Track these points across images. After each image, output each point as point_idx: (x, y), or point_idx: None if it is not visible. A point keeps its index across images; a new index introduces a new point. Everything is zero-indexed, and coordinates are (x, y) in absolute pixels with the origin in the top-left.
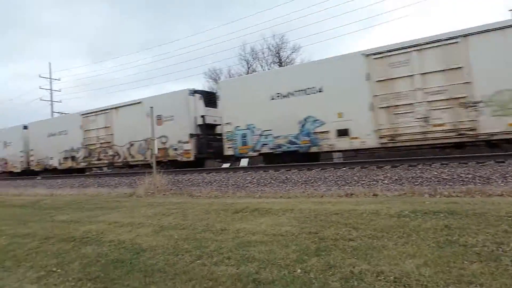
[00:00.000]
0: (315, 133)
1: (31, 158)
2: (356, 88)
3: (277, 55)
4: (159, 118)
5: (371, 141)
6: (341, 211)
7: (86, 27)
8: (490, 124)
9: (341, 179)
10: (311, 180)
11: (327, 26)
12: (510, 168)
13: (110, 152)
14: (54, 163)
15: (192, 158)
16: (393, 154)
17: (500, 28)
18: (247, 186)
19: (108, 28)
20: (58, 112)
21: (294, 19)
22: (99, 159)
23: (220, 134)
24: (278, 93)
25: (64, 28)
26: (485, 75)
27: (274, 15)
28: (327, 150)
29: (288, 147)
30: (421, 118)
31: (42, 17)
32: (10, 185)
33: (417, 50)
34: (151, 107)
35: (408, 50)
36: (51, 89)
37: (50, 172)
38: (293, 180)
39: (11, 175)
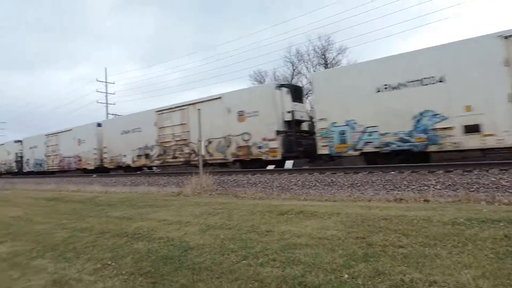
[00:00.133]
0: (434, 129)
1: (104, 156)
2: (490, 76)
3: (323, 56)
4: (241, 114)
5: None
6: (390, 216)
7: (140, 33)
8: None
9: (389, 183)
10: (357, 183)
11: (375, 26)
12: None
13: (186, 150)
14: (127, 160)
15: (279, 157)
16: (449, 158)
17: None
18: (291, 188)
19: (160, 33)
20: (112, 114)
21: (340, 20)
22: (174, 157)
23: (307, 131)
24: (385, 85)
25: (120, 34)
26: None
27: (320, 16)
28: (449, 149)
29: (399, 146)
30: None
31: (102, 25)
32: (70, 181)
33: None
34: (199, 109)
35: None
36: (106, 92)
37: (123, 170)
38: (339, 183)
39: (84, 172)
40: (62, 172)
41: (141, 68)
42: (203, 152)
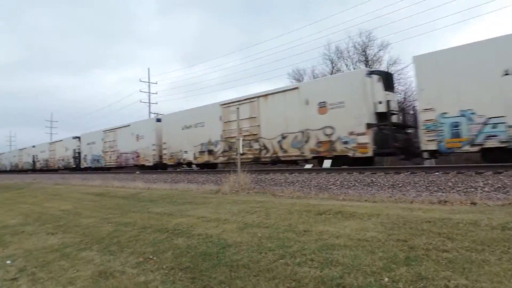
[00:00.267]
0: None
1: (164, 152)
2: None
3: (363, 53)
4: (322, 105)
5: None
6: (434, 219)
7: (183, 34)
8: None
9: (433, 184)
10: (399, 184)
11: (418, 21)
12: None
13: (256, 146)
14: (189, 157)
15: (370, 154)
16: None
17: None
18: (330, 188)
19: (202, 34)
20: (154, 113)
21: (382, 15)
22: (241, 154)
23: (398, 124)
24: None
25: (164, 36)
26: None
27: (361, 12)
28: None
29: None
30: None
31: (147, 28)
32: (114, 178)
33: None
34: (237, 108)
35: None
36: (149, 92)
37: (183, 166)
38: (379, 184)
39: (142, 168)
40: (119, 168)
41: (182, 68)
42: (240, 150)
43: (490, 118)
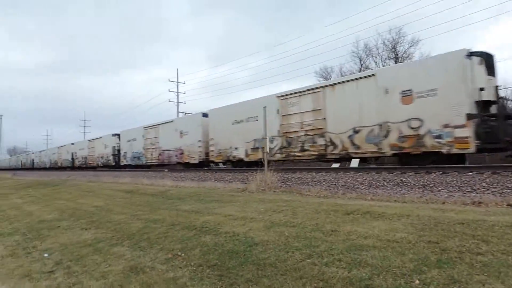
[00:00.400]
0: None
1: (211, 149)
2: None
3: (393, 50)
4: (406, 94)
5: None
6: (467, 220)
7: (211, 35)
8: None
9: (466, 184)
10: (430, 184)
11: (450, 16)
12: None
13: (321, 142)
14: (240, 154)
15: (471, 149)
16: None
17: None
18: (357, 188)
19: (229, 34)
20: (182, 112)
21: (412, 11)
22: (302, 150)
23: (496, 115)
24: None
25: (193, 37)
26: None
27: (390, 8)
28: None
29: None
30: None
31: (177, 29)
32: (144, 176)
33: None
34: (263, 107)
35: None
36: (177, 92)
37: (232, 164)
38: (409, 184)
39: (186, 166)
40: (161, 166)
41: (210, 68)
42: (267, 148)
43: None
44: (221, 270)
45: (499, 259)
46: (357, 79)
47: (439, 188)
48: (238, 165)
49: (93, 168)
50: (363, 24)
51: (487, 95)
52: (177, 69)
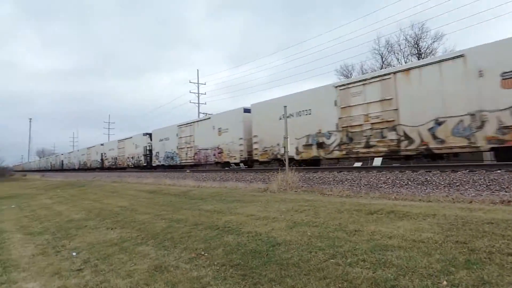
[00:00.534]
0: None
1: (255, 146)
2: None
3: (416, 46)
4: (508, 76)
5: None
6: (496, 220)
7: (231, 36)
8: None
9: (495, 183)
10: (456, 183)
11: (476, 9)
12: None
13: (392, 136)
14: (290, 152)
15: None
16: None
17: None
18: (380, 187)
19: (250, 35)
20: (203, 113)
21: (436, 6)
22: (368, 146)
23: None
24: None
25: (213, 38)
26: None
27: (412, 3)
28: None
29: None
30: None
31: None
32: (166, 176)
33: None
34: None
35: None
36: (198, 93)
37: (278, 163)
38: (434, 182)
39: (225, 166)
40: (197, 166)
41: (230, 69)
42: (288, 148)
43: None
44: (244, 270)
45: None
46: (439, 61)
47: (466, 187)
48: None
49: (123, 169)
50: (384, 20)
51: None
52: (197, 70)
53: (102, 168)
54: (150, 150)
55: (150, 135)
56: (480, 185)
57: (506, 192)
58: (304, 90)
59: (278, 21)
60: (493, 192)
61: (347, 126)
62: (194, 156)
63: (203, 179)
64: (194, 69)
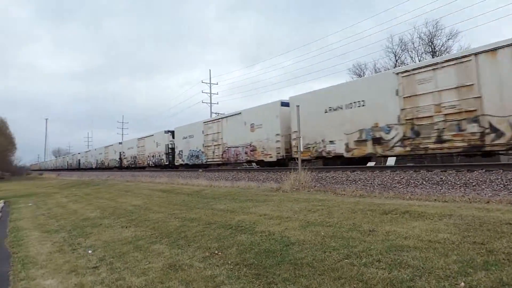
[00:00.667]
0: None
1: (294, 143)
2: None
3: (430, 44)
4: None
5: None
6: None
7: (242, 36)
8: None
9: None
10: (472, 182)
11: (492, 5)
12: None
13: (473, 129)
14: (337, 148)
15: None
16: None
17: None
18: (395, 187)
19: (261, 34)
20: (215, 113)
21: (450, 3)
22: (440, 141)
23: None
24: None
25: (224, 38)
26: None
27: (426, 0)
28: None
29: None
30: None
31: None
32: (179, 176)
33: None
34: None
35: None
36: (210, 93)
37: (323, 161)
38: (449, 182)
39: (260, 165)
40: (225, 165)
41: (242, 68)
42: (301, 147)
43: None
44: (258, 269)
45: None
46: None
47: (483, 187)
48: (334, 162)
49: (142, 168)
50: (397, 18)
51: None
52: (209, 70)
53: (120, 167)
54: (173, 149)
55: (172, 132)
56: (497, 185)
57: None
58: (356, 79)
59: (290, 21)
60: (510, 192)
61: (412, 119)
62: (222, 155)
63: (215, 178)
64: (206, 69)
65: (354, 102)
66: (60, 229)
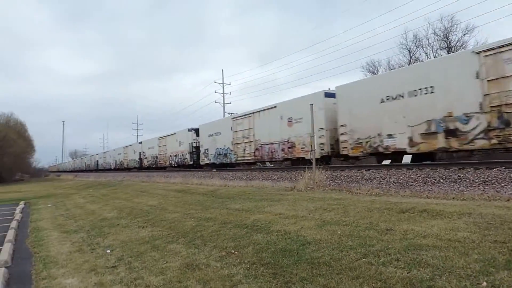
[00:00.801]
0: None
1: (343, 138)
2: None
3: (445, 39)
4: None
5: None
6: None
7: (254, 35)
8: None
9: None
10: (491, 180)
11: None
12: None
13: None
14: (399, 143)
15: None
16: None
17: None
18: (411, 185)
19: (274, 32)
20: (228, 113)
21: None
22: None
23: None
24: None
25: (238, 38)
26: None
27: None
28: None
29: None
30: None
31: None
32: (194, 176)
33: None
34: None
35: None
36: (223, 93)
37: (377, 158)
38: (468, 180)
39: (295, 163)
40: (257, 163)
41: (255, 68)
42: (315, 146)
43: None
44: (275, 268)
45: None
46: None
47: (502, 184)
48: (391, 158)
49: (163, 168)
50: (412, 14)
51: None
52: (222, 70)
53: (140, 168)
54: (197, 147)
55: (196, 130)
56: None
57: None
58: (421, 63)
59: (305, 19)
60: None
61: (500, 105)
62: (254, 153)
63: (229, 178)
64: (219, 69)
65: (420, 89)
66: (78, 229)
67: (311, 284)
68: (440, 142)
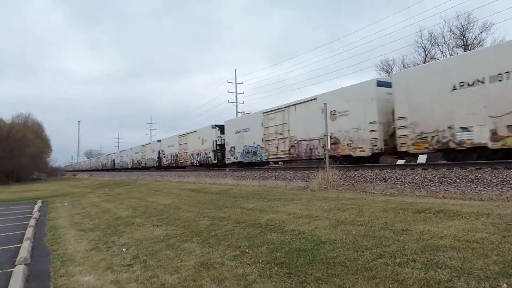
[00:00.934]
0: None
1: (401, 133)
2: None
3: (462, 37)
4: None
5: None
6: None
7: (268, 33)
8: None
9: None
10: (510, 180)
11: None
12: None
13: None
14: (477, 137)
15: None
16: None
17: None
18: (427, 185)
19: (286, 32)
20: (241, 113)
21: None
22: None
23: None
24: None
25: (249, 37)
26: None
27: None
28: None
29: None
30: None
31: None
32: (206, 175)
33: None
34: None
35: None
36: (236, 92)
37: (445, 155)
38: (485, 180)
39: (342, 162)
40: (293, 162)
41: (267, 67)
42: (328, 146)
43: None
44: (290, 268)
45: None
46: None
47: None
48: (465, 156)
49: (184, 167)
50: (427, 11)
51: None
52: (235, 70)
53: (159, 167)
54: (222, 145)
55: (220, 127)
56: None
57: None
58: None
59: (317, 17)
60: None
61: None
62: (289, 150)
63: (242, 177)
64: (232, 68)
65: (507, 72)
66: (94, 228)
67: (326, 284)
68: None
